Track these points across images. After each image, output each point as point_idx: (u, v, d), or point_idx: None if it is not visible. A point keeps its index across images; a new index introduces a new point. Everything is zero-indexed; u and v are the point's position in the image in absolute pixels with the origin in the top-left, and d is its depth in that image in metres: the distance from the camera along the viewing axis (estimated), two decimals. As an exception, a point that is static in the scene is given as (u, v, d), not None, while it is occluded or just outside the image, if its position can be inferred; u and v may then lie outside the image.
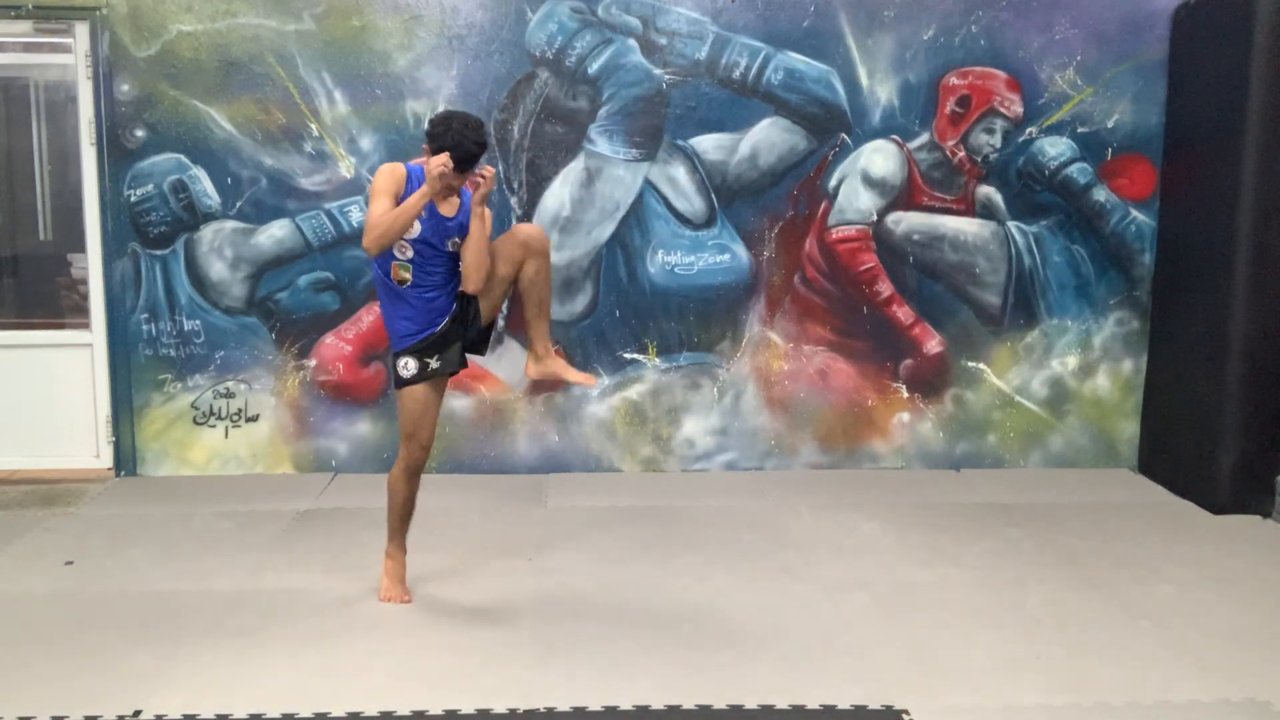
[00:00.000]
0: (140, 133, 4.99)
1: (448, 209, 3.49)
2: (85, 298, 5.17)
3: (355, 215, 5.09)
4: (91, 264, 5.11)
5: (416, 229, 3.43)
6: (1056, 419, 5.42)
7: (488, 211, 3.53)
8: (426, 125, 3.42)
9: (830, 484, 5.15)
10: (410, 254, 3.47)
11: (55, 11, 4.93)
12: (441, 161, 3.29)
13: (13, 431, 5.18)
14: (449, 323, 3.58)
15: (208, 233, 5.08)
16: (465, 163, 3.36)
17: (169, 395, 5.16)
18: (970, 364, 5.37)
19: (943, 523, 4.59)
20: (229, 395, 5.17)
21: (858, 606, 3.69)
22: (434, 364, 3.57)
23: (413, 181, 3.45)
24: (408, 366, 3.55)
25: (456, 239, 3.52)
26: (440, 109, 5.03)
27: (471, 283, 3.53)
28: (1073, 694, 3.08)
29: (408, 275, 3.50)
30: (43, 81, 5.26)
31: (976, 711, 2.99)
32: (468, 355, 3.72)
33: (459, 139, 3.32)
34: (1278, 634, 3.50)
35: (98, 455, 5.23)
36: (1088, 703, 3.04)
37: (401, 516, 3.73)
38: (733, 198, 5.20)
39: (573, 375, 3.77)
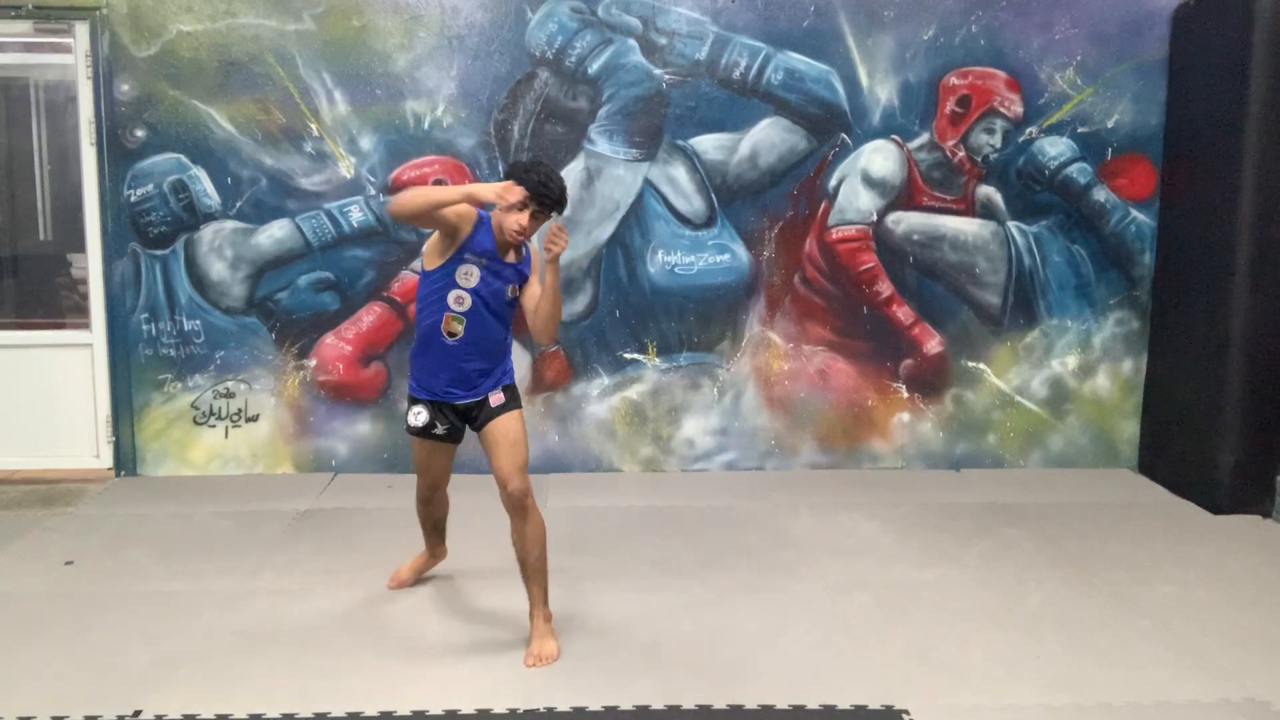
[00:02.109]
0: (140, 133, 4.99)
1: (510, 256, 3.28)
2: (85, 298, 5.17)
3: (355, 215, 5.09)
4: (91, 264, 5.11)
5: (476, 277, 3.22)
6: (1056, 419, 5.42)
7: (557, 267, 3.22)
8: (509, 169, 3.23)
9: (830, 484, 5.15)
10: (468, 305, 3.24)
11: (55, 11, 4.93)
12: (521, 193, 3.11)
13: (13, 431, 5.18)
14: (452, 409, 3.41)
15: (208, 233, 5.08)
16: (543, 207, 3.19)
17: (169, 395, 5.16)
18: (970, 364, 5.37)
19: (943, 523, 4.59)
20: (229, 395, 5.18)
21: (858, 606, 3.69)
22: (439, 428, 3.43)
23: (480, 226, 3.24)
24: (419, 415, 3.42)
25: (515, 286, 3.30)
26: (441, 110, 5.05)
27: (544, 334, 3.29)
28: (1073, 694, 3.08)
29: (460, 329, 3.26)
30: (43, 81, 5.26)
31: (976, 711, 2.99)
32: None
33: (540, 188, 3.15)
34: (1278, 634, 3.50)
35: (98, 455, 5.23)
36: (1088, 703, 3.04)
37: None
38: (733, 198, 5.20)
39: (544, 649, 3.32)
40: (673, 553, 4.21)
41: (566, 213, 5.12)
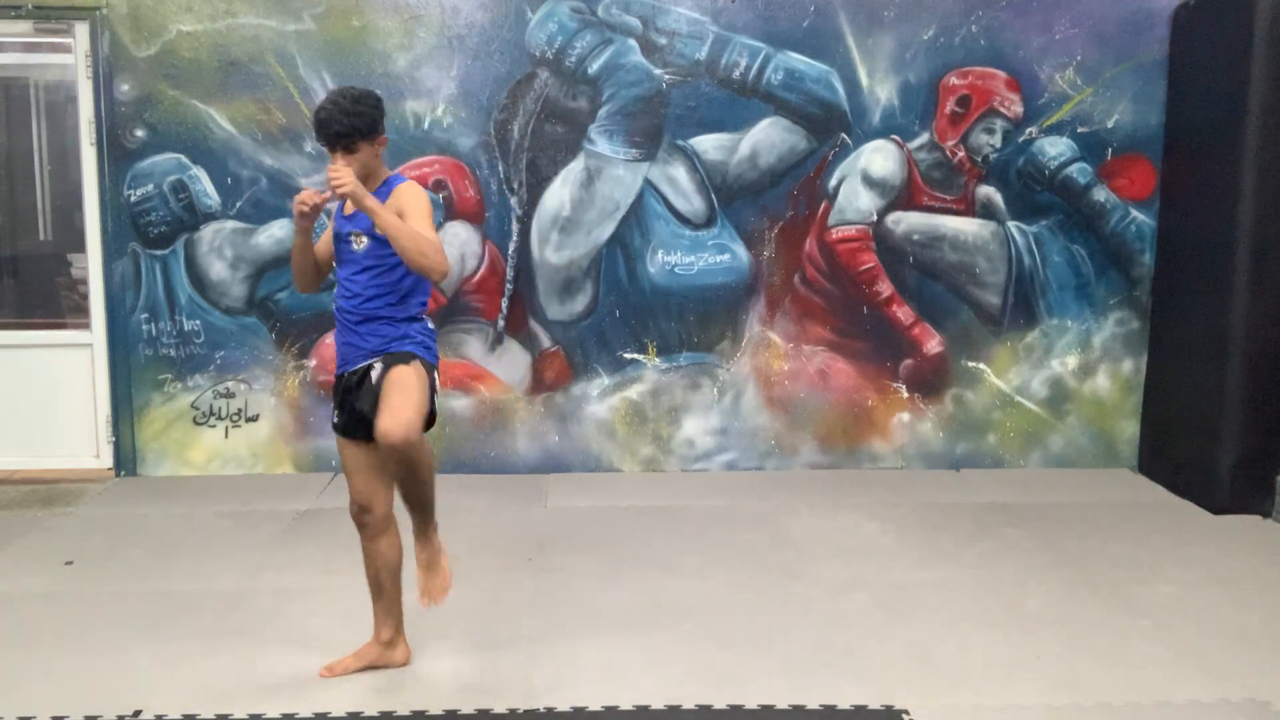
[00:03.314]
0: (140, 133, 4.99)
1: (348, 206, 3.00)
2: (85, 298, 5.17)
3: (355, 215, 5.09)
4: (91, 264, 5.11)
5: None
6: (1056, 419, 5.42)
7: (372, 203, 2.79)
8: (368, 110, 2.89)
9: (830, 484, 5.15)
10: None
11: (55, 11, 4.93)
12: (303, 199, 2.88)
13: (13, 431, 5.18)
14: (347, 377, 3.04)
15: (208, 233, 5.08)
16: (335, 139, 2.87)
17: (169, 395, 5.16)
18: (970, 364, 5.37)
19: (943, 523, 4.58)
20: (229, 395, 5.17)
21: (858, 606, 3.69)
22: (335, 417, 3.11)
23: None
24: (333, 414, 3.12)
25: (359, 236, 2.97)
26: (441, 110, 5.05)
27: (427, 270, 2.84)
28: (1073, 694, 3.08)
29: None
30: (43, 81, 5.26)
31: (976, 711, 2.99)
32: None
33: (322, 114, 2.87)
34: (1278, 634, 3.50)
35: (98, 455, 5.23)
36: (1088, 703, 3.03)
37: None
38: (733, 198, 5.20)
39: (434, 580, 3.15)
40: (673, 553, 4.21)
41: (566, 212, 5.13)
